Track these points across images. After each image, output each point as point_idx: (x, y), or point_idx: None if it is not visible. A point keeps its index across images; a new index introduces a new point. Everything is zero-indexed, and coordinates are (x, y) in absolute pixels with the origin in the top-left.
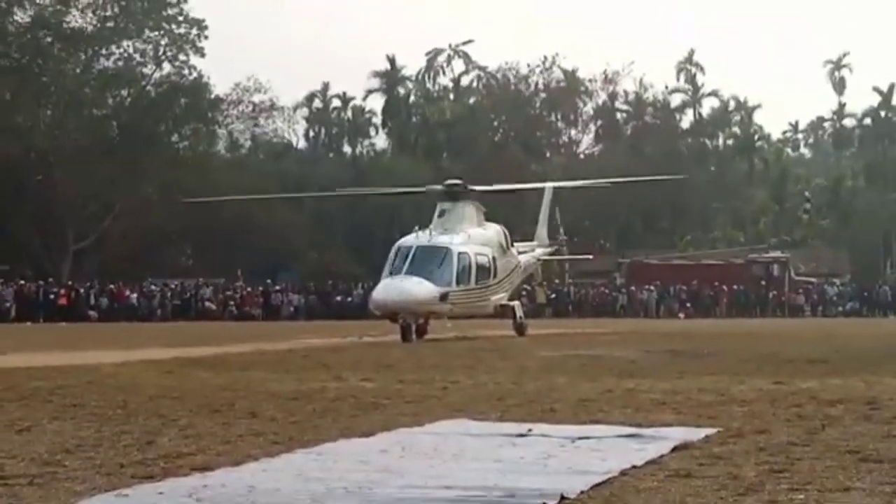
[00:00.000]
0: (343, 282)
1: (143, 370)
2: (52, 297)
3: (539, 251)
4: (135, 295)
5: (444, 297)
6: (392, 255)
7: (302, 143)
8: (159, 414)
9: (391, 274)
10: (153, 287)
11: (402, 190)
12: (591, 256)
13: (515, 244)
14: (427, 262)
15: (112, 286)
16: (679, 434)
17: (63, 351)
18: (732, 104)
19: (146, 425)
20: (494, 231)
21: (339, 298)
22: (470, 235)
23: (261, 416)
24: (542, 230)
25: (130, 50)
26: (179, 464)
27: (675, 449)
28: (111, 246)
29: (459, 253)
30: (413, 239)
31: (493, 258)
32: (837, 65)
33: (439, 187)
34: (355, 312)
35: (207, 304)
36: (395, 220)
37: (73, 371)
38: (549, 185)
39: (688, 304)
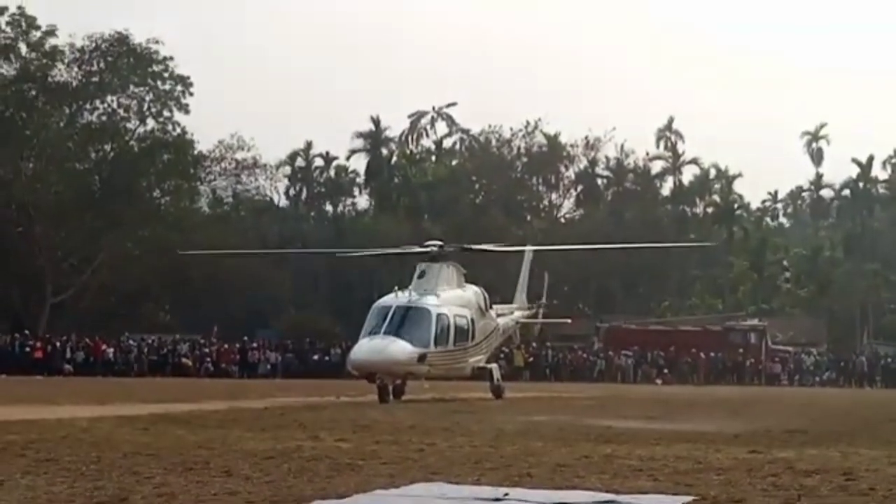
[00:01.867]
0: (321, 340)
1: (118, 426)
2: (27, 349)
3: (518, 314)
4: (111, 349)
5: (422, 359)
6: (371, 315)
7: (283, 202)
8: (133, 471)
9: (369, 334)
10: (130, 342)
11: (409, 251)
12: (569, 320)
13: (494, 306)
14: (405, 322)
15: (88, 340)
16: (656, 501)
17: (37, 405)
18: (713, 172)
19: (120, 482)
20: (473, 293)
21: (316, 357)
22: (449, 297)
23: (236, 474)
24: (520, 294)
25: (115, 105)
26: None
27: None
28: (89, 300)
29: (438, 314)
30: (392, 299)
31: (472, 320)
32: (815, 136)
33: (427, 249)
34: (333, 371)
35: (184, 360)
36: (374, 280)
37: (47, 425)
38: (530, 248)
39: (665, 371)
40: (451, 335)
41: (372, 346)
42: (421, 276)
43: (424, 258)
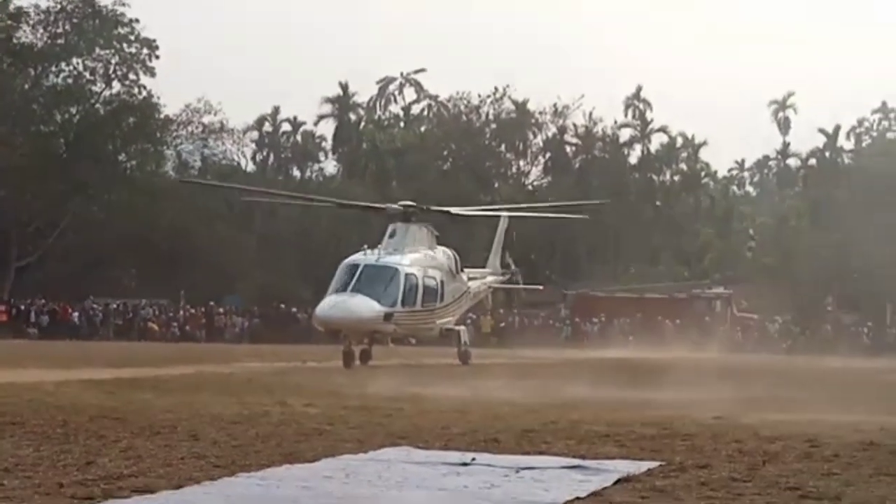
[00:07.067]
0: (288, 305)
1: (84, 390)
2: None
3: (490, 279)
4: (76, 313)
5: (388, 317)
6: (338, 272)
7: (251, 167)
8: (100, 434)
9: (336, 291)
10: (95, 306)
11: (366, 204)
12: (541, 287)
13: (466, 270)
14: (373, 280)
15: (55, 305)
16: (622, 467)
17: (2, 368)
18: (680, 141)
19: (87, 446)
20: (444, 255)
21: (283, 322)
22: (419, 257)
23: (203, 439)
24: (494, 258)
25: (80, 67)
26: (120, 485)
27: (618, 482)
28: (54, 263)
29: (406, 274)
30: (361, 257)
31: (442, 281)
32: (782, 105)
33: (398, 207)
34: (300, 337)
35: (150, 324)
36: (342, 246)
37: (13, 389)
38: (505, 213)
39: (630, 338)
40: (419, 295)
41: (338, 303)
42: (392, 235)
43: (396, 218)
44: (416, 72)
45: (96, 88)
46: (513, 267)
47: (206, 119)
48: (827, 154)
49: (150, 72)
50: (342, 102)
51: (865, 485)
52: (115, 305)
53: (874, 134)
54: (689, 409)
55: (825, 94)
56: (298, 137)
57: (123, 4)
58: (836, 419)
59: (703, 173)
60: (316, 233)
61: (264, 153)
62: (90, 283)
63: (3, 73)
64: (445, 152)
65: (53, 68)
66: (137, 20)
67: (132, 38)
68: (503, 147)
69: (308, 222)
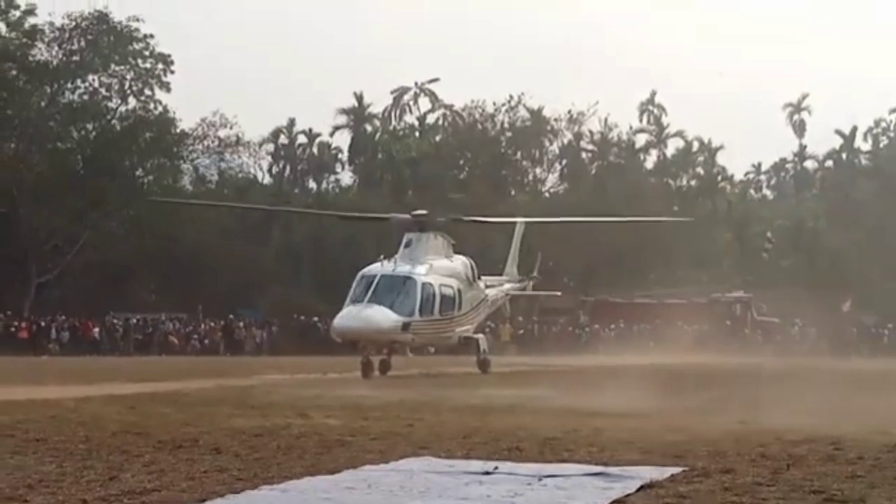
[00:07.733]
0: (307, 317)
1: (106, 405)
2: (12, 330)
3: (507, 286)
4: (96, 329)
5: (406, 327)
6: (356, 282)
7: (267, 179)
8: (122, 449)
9: (353, 301)
10: (115, 321)
11: (368, 216)
12: (559, 293)
13: (484, 278)
14: (390, 290)
15: (76, 321)
16: (645, 473)
17: (24, 385)
18: (696, 145)
19: (109, 461)
20: (461, 263)
21: (301, 334)
22: (435, 266)
23: (225, 452)
24: (511, 266)
25: (96, 84)
26: (143, 500)
27: (641, 488)
28: (73, 279)
29: (423, 283)
30: (377, 267)
31: (459, 290)
32: (797, 108)
33: (405, 216)
34: (319, 348)
35: (170, 338)
36: (359, 258)
37: (35, 405)
38: (521, 220)
39: (650, 344)
40: (436, 304)
41: (355, 314)
42: (408, 245)
43: (412, 228)
44: (431, 81)
45: (112, 104)
46: (534, 273)
47: (221, 133)
48: (844, 155)
49: (166, 87)
50: (357, 113)
51: (890, 487)
52: (135, 320)
53: (891, 134)
54: (712, 414)
55: (841, 95)
56: (314, 149)
57: (138, 20)
58: (860, 422)
59: (719, 177)
60: (332, 243)
61: (280, 165)
62: (110, 299)
63: (19, 90)
64: (461, 161)
65: (69, 85)
66: (152, 35)
67: (147, 53)
68: (519, 155)
69: (324, 232)
